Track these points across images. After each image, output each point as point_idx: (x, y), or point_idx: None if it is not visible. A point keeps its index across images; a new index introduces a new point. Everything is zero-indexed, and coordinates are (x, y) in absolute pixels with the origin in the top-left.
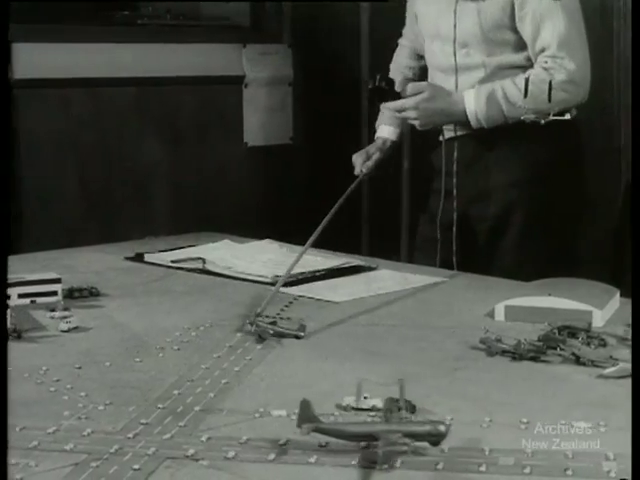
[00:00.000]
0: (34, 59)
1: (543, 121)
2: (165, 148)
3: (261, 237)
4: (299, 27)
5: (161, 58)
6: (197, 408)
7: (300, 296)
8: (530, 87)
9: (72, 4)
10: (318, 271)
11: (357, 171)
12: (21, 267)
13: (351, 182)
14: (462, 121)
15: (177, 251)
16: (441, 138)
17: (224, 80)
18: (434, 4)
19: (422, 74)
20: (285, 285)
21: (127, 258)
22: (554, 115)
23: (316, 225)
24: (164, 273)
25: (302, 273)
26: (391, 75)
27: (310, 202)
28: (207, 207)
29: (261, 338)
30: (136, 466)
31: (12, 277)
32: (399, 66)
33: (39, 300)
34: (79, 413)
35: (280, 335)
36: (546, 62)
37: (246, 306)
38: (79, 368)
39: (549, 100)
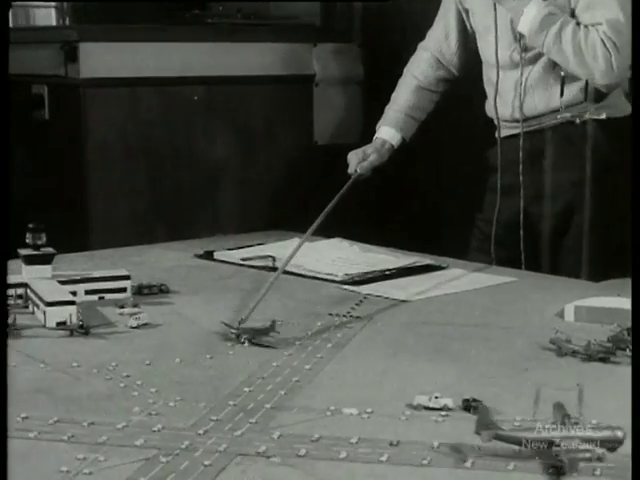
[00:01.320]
0: (102, 58)
1: (578, 120)
2: (234, 147)
3: (330, 235)
4: (369, 26)
5: (231, 57)
6: (268, 405)
7: (370, 295)
8: (582, 45)
9: (142, 4)
10: (388, 270)
11: (351, 170)
12: (89, 264)
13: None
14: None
15: (246, 249)
16: (497, 135)
17: (294, 79)
18: None
19: (437, 84)
20: (355, 284)
21: (196, 256)
22: (590, 114)
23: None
24: (233, 271)
25: (372, 272)
26: (403, 81)
27: (378, 201)
28: (276, 206)
29: (245, 342)
30: (207, 462)
31: (79, 274)
32: (415, 72)
33: (108, 297)
34: (149, 409)
35: (259, 335)
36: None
37: (316, 304)
38: (149, 364)
39: (588, 63)
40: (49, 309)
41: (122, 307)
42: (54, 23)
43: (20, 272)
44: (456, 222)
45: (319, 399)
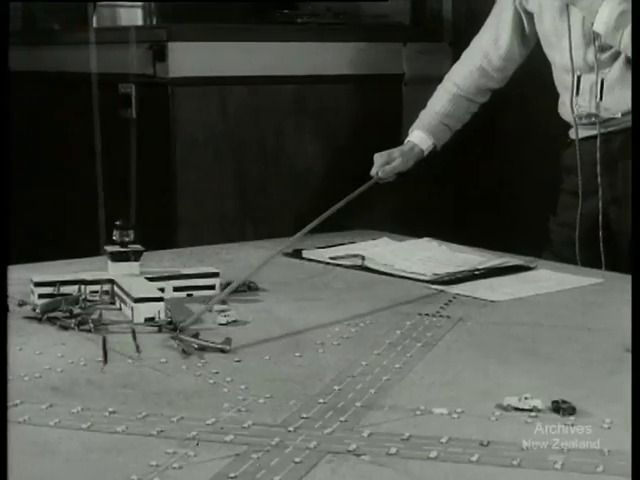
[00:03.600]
0: (190, 58)
1: (593, 119)
2: (322, 146)
3: (419, 235)
4: (459, 25)
5: (320, 56)
6: (358, 404)
7: (459, 295)
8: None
9: (231, 3)
10: (477, 270)
11: (373, 172)
12: (177, 261)
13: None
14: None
15: (335, 248)
16: (572, 136)
17: (383, 79)
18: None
19: (476, 93)
20: (444, 283)
21: (285, 254)
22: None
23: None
24: (322, 269)
25: (461, 272)
26: (442, 87)
27: (466, 202)
28: (364, 204)
29: (185, 353)
30: (297, 459)
31: (167, 270)
32: (456, 79)
33: (196, 293)
34: (239, 405)
35: (203, 349)
36: None
37: (405, 304)
38: (238, 361)
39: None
40: (137, 305)
41: None
42: (140, 23)
43: (106, 269)
44: (528, 224)
45: (409, 398)
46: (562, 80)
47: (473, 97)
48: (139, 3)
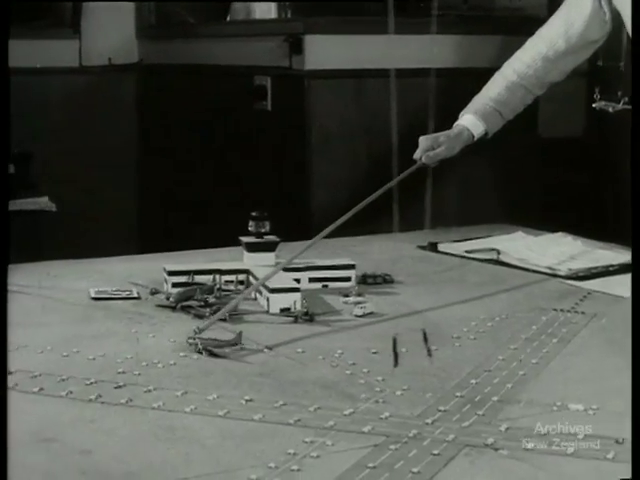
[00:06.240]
0: (326, 50)
1: (611, 109)
2: None
3: (554, 229)
4: None
5: (456, 49)
6: (495, 398)
7: (594, 291)
8: None
9: None
10: (612, 265)
11: (416, 156)
12: (312, 252)
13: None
14: None
15: (471, 241)
16: None
17: None
18: None
19: (535, 84)
20: (579, 279)
21: (420, 247)
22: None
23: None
24: (458, 263)
25: (596, 267)
26: (500, 73)
27: (598, 195)
28: (499, 198)
29: (205, 353)
30: (435, 451)
31: (302, 261)
32: (516, 67)
33: (332, 285)
34: (376, 397)
35: (219, 346)
36: None
37: (540, 299)
38: (375, 353)
39: None
40: (273, 295)
41: (346, 296)
42: (274, 16)
43: (238, 259)
44: None
45: (545, 393)
46: None
47: (531, 87)
48: None
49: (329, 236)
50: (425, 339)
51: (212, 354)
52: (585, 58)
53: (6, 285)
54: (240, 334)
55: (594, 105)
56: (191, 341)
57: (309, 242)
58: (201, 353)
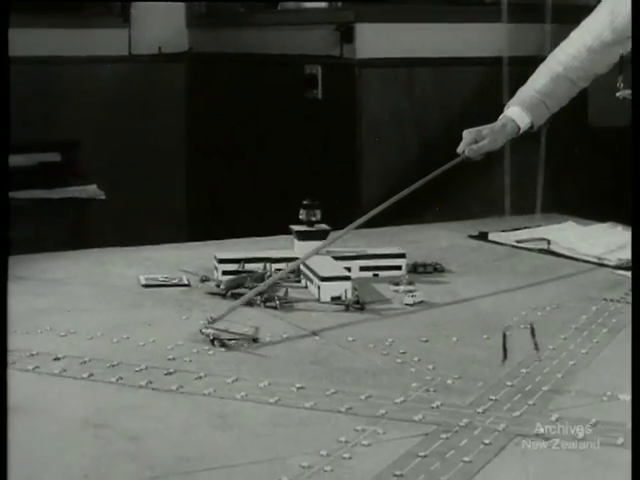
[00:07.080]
0: (378, 39)
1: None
2: None
3: (604, 219)
4: None
5: (511, 38)
6: (545, 388)
7: None
8: None
9: None
10: None
11: (459, 150)
12: (363, 241)
13: None
14: None
15: (522, 231)
16: None
17: None
18: None
19: (581, 76)
20: (629, 269)
21: (471, 236)
22: None
23: None
24: (508, 252)
25: None
26: (546, 65)
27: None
28: (552, 188)
29: (216, 343)
30: (487, 440)
31: (353, 250)
32: (561, 59)
33: (382, 274)
34: (427, 385)
35: (234, 339)
36: None
37: (590, 289)
38: (426, 341)
39: None
40: (324, 284)
41: (397, 284)
42: (325, 4)
43: (288, 247)
44: None
45: (595, 383)
46: None
47: (576, 79)
48: None
49: (377, 225)
50: (532, 334)
51: (224, 345)
52: (630, 50)
53: (6, 283)
54: (257, 329)
55: (618, 94)
56: (204, 331)
57: (344, 230)
58: (213, 343)
